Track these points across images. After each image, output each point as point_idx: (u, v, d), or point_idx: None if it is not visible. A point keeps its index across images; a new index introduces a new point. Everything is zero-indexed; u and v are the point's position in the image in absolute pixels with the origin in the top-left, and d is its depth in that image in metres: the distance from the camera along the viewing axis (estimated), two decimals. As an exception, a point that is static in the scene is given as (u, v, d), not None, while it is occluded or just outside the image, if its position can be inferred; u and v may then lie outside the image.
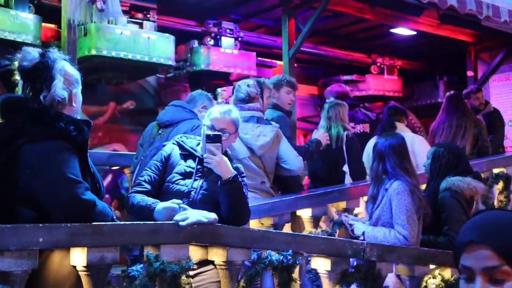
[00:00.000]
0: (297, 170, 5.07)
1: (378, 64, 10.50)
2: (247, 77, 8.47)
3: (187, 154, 3.62)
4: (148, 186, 3.55)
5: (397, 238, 4.13)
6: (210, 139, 3.43)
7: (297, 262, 3.59)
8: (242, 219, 3.53)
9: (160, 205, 3.33)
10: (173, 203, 3.30)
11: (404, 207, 4.16)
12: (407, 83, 11.01)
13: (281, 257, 3.52)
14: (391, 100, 10.26)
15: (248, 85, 5.10)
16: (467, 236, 1.46)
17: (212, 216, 3.28)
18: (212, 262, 3.46)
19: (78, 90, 2.96)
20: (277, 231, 4.13)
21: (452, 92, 7.28)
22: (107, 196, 7.84)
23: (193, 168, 3.55)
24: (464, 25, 9.04)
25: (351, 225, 4.37)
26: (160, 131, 5.03)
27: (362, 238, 4.23)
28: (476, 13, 6.90)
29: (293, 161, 5.01)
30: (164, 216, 3.27)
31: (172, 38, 7.45)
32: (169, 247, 3.09)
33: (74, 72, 2.96)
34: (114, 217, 3.06)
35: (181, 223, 3.14)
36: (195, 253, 3.39)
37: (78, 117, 2.94)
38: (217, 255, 3.35)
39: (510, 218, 1.45)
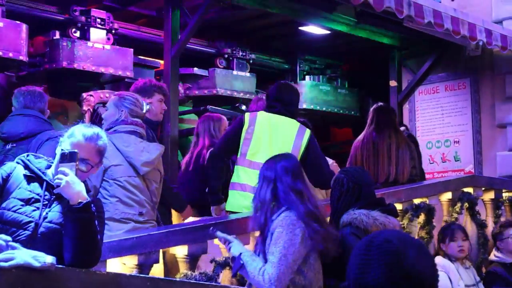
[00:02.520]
0: None
1: (226, 56, 9.91)
2: (122, 79, 8.40)
3: (32, 177, 3.56)
4: (-23, 212, 3.45)
5: (262, 278, 4.11)
6: (65, 158, 3.42)
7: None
8: (89, 259, 3.46)
9: (-19, 241, 3.21)
10: (-1, 239, 3.19)
11: (281, 243, 4.17)
12: (263, 82, 10.59)
13: (137, 308, 3.47)
14: (241, 103, 9.93)
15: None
16: None
17: (48, 260, 3.16)
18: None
19: None
20: (132, 274, 4.05)
21: (380, 104, 7.41)
22: None
23: (37, 194, 3.51)
24: (385, 26, 9.29)
25: (228, 241, 4.35)
26: (9, 146, 4.98)
27: (237, 262, 4.25)
28: (395, 11, 7.05)
29: None
30: (-16, 254, 3.14)
31: (24, 26, 7.26)
32: (-15, 296, 2.96)
33: None
34: None
35: (1, 263, 3.01)
36: (26, 303, 3.27)
37: None
38: (53, 305, 3.23)
39: None
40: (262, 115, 5.79)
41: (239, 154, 5.70)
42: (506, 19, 10.02)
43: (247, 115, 5.82)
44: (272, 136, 5.67)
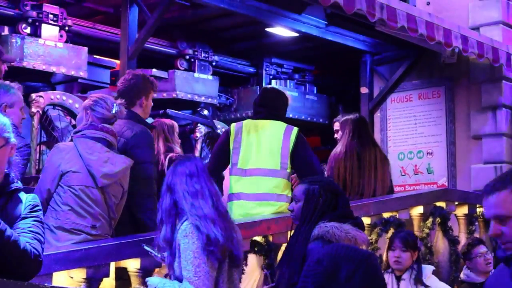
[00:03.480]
0: None
1: (187, 57, 9.93)
2: (75, 79, 8.35)
3: None
4: None
5: None
6: None
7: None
8: (20, 272, 3.28)
9: None
10: None
11: (190, 254, 4.08)
12: (226, 86, 10.76)
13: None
14: (202, 108, 9.92)
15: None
16: None
17: None
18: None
19: None
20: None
21: (357, 115, 7.45)
22: None
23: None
24: (356, 29, 9.35)
25: (154, 255, 4.39)
26: None
27: None
28: (366, 14, 7.09)
29: None
30: None
31: (-30, 21, 7.21)
32: None
33: None
34: None
35: None
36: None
37: None
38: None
39: None
40: (248, 123, 6.01)
41: (230, 165, 5.90)
42: (483, 25, 10.14)
43: (233, 126, 6.04)
44: (259, 140, 5.90)
